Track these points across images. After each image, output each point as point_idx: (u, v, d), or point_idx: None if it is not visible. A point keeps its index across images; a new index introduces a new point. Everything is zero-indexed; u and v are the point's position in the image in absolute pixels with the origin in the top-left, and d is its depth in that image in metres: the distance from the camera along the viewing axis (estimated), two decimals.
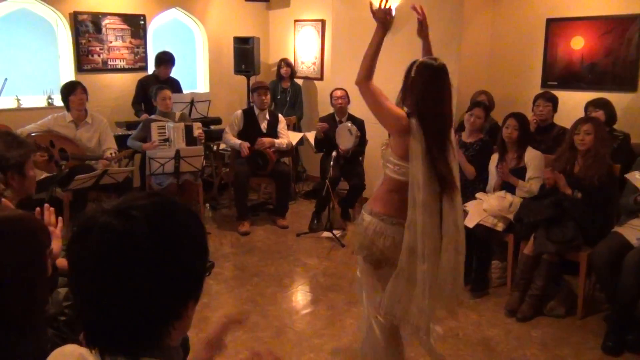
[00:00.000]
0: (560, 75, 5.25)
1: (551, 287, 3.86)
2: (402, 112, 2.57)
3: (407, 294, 2.56)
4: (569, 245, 3.70)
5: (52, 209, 2.11)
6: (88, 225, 0.95)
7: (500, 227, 4.05)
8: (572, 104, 4.95)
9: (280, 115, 5.90)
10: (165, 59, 6.14)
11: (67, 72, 6.29)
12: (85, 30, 6.23)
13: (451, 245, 2.58)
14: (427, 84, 2.51)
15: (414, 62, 2.61)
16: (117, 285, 0.92)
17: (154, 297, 0.94)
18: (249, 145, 5.49)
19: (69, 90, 4.96)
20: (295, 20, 7.40)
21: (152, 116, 5.44)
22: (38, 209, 2.08)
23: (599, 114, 4.31)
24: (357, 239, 2.73)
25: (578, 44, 5.11)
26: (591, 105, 4.49)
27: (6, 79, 4.78)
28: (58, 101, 6.05)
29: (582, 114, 4.42)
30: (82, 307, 0.97)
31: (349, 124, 5.37)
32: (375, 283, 2.73)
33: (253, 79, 6.70)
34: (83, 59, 6.26)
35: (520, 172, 4.14)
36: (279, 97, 6.92)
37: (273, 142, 5.56)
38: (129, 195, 1.00)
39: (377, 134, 5.59)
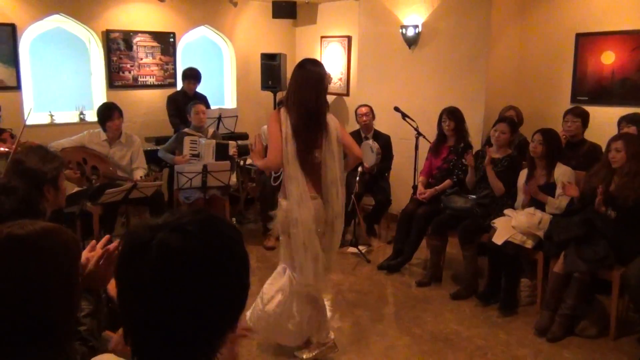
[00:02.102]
0: (590, 90, 5.16)
1: (582, 307, 3.75)
2: (273, 116, 3.22)
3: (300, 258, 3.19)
4: (601, 264, 3.61)
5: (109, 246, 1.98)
6: (140, 242, 0.95)
7: (529, 244, 3.98)
8: (604, 119, 4.86)
9: None
10: (189, 75, 6.24)
11: (99, 89, 6.45)
12: (117, 47, 6.39)
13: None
14: (297, 81, 3.17)
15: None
16: (176, 301, 0.92)
17: (212, 313, 0.95)
18: None
19: (106, 116, 5.00)
20: (322, 37, 7.46)
21: (186, 129, 5.51)
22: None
23: (632, 130, 4.21)
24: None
25: (609, 58, 5.03)
26: (624, 120, 4.40)
27: (31, 109, 4.99)
28: (89, 117, 6.21)
29: (614, 130, 4.33)
30: (134, 323, 0.97)
31: (371, 142, 5.35)
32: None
33: (279, 95, 6.76)
34: (114, 76, 6.41)
35: (550, 188, 4.07)
36: None
37: None
38: (174, 212, 1.01)
39: (404, 149, 5.59)
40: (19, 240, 1.35)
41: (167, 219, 0.98)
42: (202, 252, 0.94)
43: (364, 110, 5.56)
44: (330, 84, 3.26)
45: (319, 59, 7.49)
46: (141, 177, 5.01)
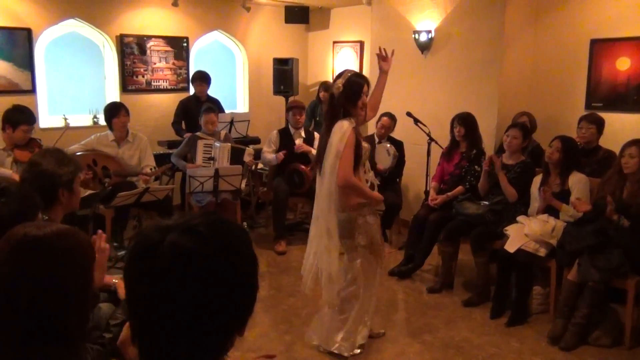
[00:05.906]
0: (605, 96, 5.11)
1: (596, 316, 3.70)
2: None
3: None
4: (615, 273, 3.55)
5: (104, 235, 2.14)
6: (151, 243, 0.95)
7: (542, 252, 3.93)
8: (619, 126, 4.81)
9: (316, 133, 5.91)
10: (197, 77, 6.27)
11: (112, 93, 6.49)
12: (131, 52, 6.44)
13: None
14: None
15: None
16: (185, 302, 0.92)
17: (221, 314, 0.95)
18: (285, 152, 5.50)
19: (112, 113, 5.11)
20: (334, 42, 7.48)
21: (198, 133, 5.53)
22: (94, 237, 2.10)
23: None
24: None
25: (624, 64, 4.98)
26: None
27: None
28: (103, 120, 6.24)
29: (628, 136, 4.28)
30: (142, 323, 0.97)
31: (388, 145, 5.33)
32: None
33: (291, 100, 6.76)
34: (128, 80, 6.45)
35: (564, 195, 4.03)
36: (318, 118, 6.95)
37: (310, 149, 5.52)
38: (184, 215, 1.01)
39: (415, 154, 5.57)
40: (35, 241, 1.37)
41: (178, 221, 0.98)
42: (212, 253, 0.94)
43: (387, 122, 5.47)
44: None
45: (330, 63, 7.53)
46: (150, 169, 5.11)
